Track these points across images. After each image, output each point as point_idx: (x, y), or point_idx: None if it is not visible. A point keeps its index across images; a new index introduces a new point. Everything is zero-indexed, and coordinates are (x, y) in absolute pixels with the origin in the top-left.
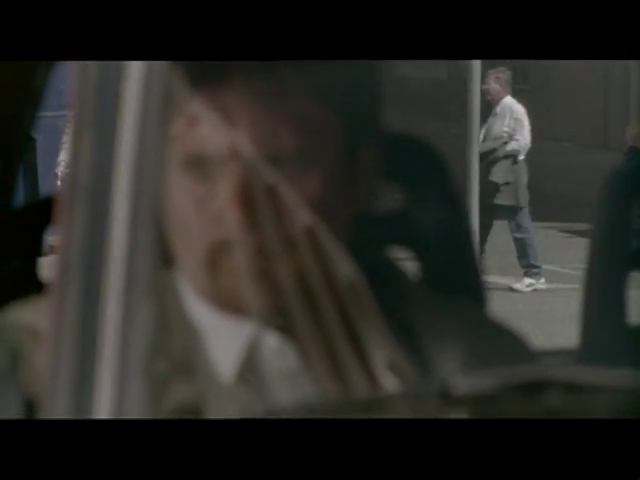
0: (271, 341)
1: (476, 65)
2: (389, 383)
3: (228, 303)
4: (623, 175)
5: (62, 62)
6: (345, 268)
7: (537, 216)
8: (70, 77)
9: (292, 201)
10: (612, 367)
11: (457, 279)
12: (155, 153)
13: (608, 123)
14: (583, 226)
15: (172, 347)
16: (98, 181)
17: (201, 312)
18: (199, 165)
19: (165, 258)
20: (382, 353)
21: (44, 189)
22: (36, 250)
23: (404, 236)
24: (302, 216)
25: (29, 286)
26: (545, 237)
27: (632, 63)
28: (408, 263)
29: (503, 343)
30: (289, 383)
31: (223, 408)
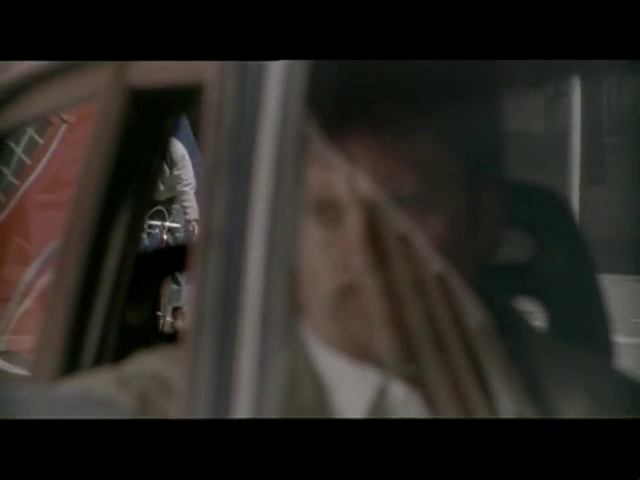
0: (398, 390)
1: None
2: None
3: (354, 350)
4: None
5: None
6: (476, 314)
7: (632, 269)
8: (204, 124)
9: (421, 246)
10: None
11: (585, 331)
12: (289, 198)
13: None
14: None
15: (300, 398)
16: (232, 227)
17: (327, 361)
18: (328, 210)
19: (295, 306)
20: (510, 402)
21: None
22: (164, 297)
23: (531, 286)
24: (431, 261)
25: (157, 333)
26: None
27: None
28: (536, 314)
29: (628, 393)
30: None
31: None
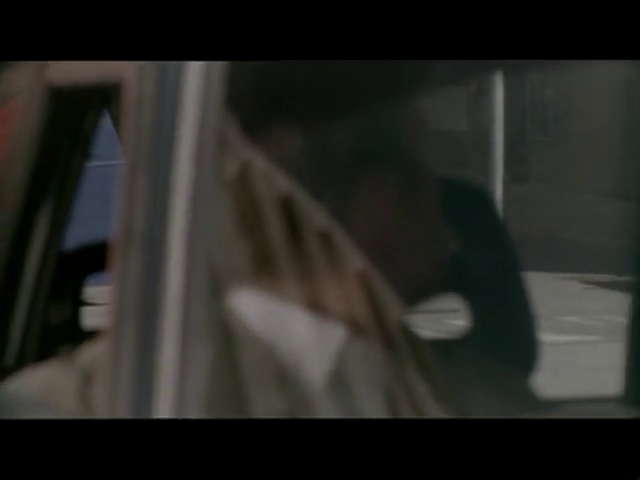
0: (359, 346)
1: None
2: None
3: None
4: None
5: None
6: (396, 310)
7: (558, 267)
8: (123, 122)
9: (342, 243)
10: None
11: (510, 329)
12: (209, 196)
13: (629, 173)
14: (605, 277)
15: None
16: (152, 225)
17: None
18: (247, 207)
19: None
20: (429, 398)
21: (97, 235)
22: (85, 295)
23: (456, 283)
24: (352, 258)
25: (80, 331)
26: (567, 288)
27: None
28: (460, 311)
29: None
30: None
31: (314, 415)
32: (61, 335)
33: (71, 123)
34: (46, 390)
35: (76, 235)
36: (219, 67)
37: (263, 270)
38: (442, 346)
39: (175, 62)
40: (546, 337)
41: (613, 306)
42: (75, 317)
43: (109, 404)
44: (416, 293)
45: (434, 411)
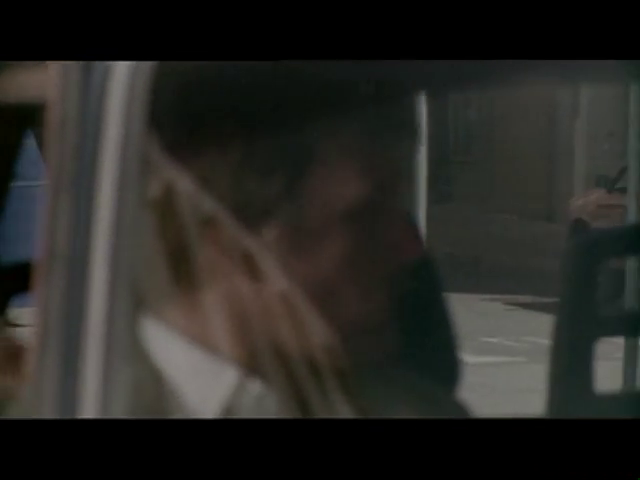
0: (255, 386)
1: None
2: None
3: (208, 348)
4: (589, 243)
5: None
6: (320, 331)
7: (481, 288)
8: (47, 142)
9: (268, 266)
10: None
11: (431, 349)
12: (132, 216)
13: (552, 195)
14: (527, 298)
15: (151, 400)
16: (75, 245)
17: (181, 359)
18: (171, 227)
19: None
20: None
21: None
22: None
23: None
24: (278, 281)
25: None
26: (489, 309)
27: (577, 134)
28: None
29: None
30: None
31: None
32: None
33: None
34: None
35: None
36: (142, 88)
37: (184, 292)
38: (365, 367)
39: (98, 83)
40: (469, 358)
41: (535, 327)
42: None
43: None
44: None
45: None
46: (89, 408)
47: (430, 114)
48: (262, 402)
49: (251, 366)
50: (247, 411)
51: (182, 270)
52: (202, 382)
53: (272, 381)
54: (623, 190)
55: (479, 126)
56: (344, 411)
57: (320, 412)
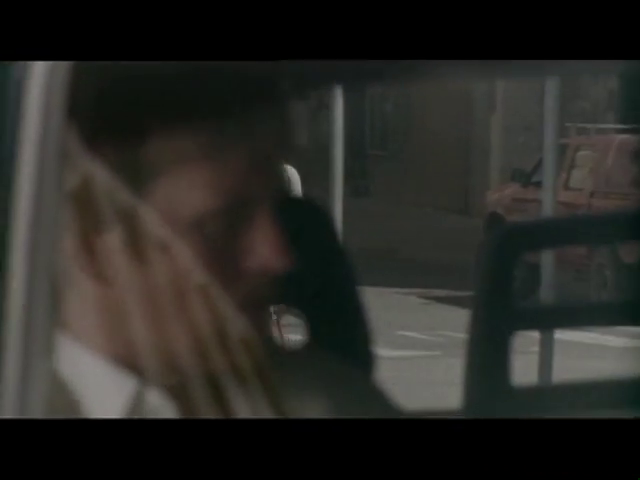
0: (154, 397)
1: None
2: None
3: (112, 356)
4: (504, 236)
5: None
6: (237, 325)
7: (397, 282)
8: None
9: (185, 259)
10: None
11: (345, 343)
12: (51, 210)
13: (468, 188)
14: (443, 292)
15: (57, 405)
16: None
17: (86, 366)
18: (89, 220)
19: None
20: (268, 413)
21: None
22: None
23: (292, 297)
24: (195, 274)
25: None
26: (405, 303)
27: (493, 128)
28: (297, 325)
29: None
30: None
31: None
32: None
33: None
34: None
35: None
36: (60, 81)
37: (102, 284)
38: (282, 359)
39: (16, 77)
40: (384, 352)
41: (451, 321)
42: None
43: None
44: (254, 308)
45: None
46: (7, 408)
47: (346, 108)
48: (159, 412)
49: (149, 375)
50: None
51: (99, 260)
52: (103, 392)
53: (171, 389)
54: (538, 184)
55: (396, 120)
56: (260, 407)
57: (237, 411)
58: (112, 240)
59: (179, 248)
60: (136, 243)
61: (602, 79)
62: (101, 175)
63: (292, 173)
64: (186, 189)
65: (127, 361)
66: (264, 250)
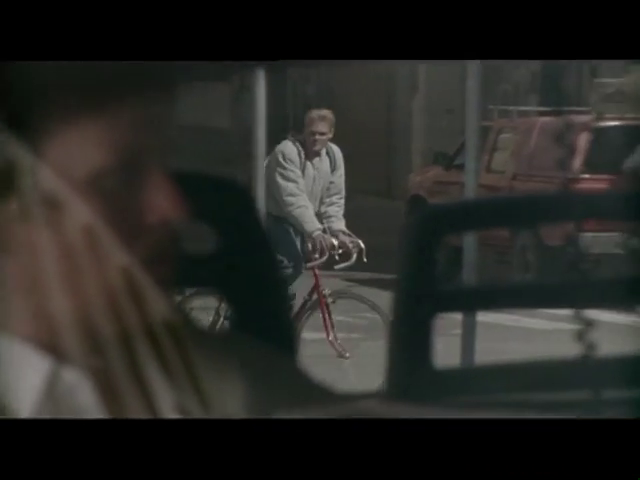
0: (69, 375)
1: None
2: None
3: (28, 336)
4: (426, 218)
5: None
6: (160, 307)
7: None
8: None
9: (107, 241)
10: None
11: (267, 325)
12: None
13: (390, 171)
14: (366, 274)
15: None
16: None
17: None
18: (12, 205)
19: None
20: (190, 398)
21: None
22: None
23: (214, 280)
24: (117, 256)
25: None
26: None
27: (415, 111)
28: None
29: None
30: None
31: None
32: None
33: None
34: None
35: None
36: None
37: (19, 262)
38: (204, 340)
39: None
40: (307, 334)
41: (374, 303)
42: None
43: None
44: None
45: (195, 407)
46: None
47: (267, 89)
48: (75, 391)
49: (66, 353)
50: (62, 401)
51: (22, 242)
52: (18, 374)
53: (88, 368)
54: (461, 167)
55: (318, 102)
56: (181, 387)
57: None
58: (8, 208)
59: (78, 208)
60: (58, 225)
61: (524, 62)
62: (25, 159)
63: (336, 151)
64: (80, 147)
65: (40, 339)
66: (160, 202)
